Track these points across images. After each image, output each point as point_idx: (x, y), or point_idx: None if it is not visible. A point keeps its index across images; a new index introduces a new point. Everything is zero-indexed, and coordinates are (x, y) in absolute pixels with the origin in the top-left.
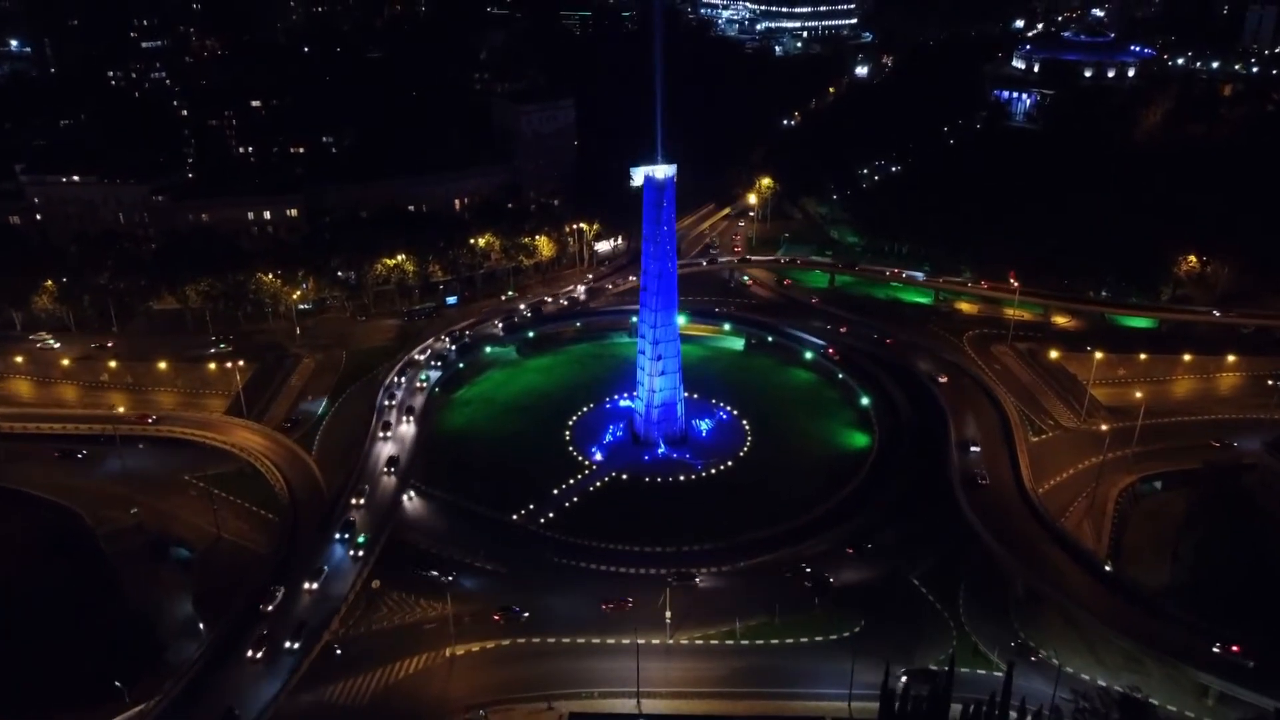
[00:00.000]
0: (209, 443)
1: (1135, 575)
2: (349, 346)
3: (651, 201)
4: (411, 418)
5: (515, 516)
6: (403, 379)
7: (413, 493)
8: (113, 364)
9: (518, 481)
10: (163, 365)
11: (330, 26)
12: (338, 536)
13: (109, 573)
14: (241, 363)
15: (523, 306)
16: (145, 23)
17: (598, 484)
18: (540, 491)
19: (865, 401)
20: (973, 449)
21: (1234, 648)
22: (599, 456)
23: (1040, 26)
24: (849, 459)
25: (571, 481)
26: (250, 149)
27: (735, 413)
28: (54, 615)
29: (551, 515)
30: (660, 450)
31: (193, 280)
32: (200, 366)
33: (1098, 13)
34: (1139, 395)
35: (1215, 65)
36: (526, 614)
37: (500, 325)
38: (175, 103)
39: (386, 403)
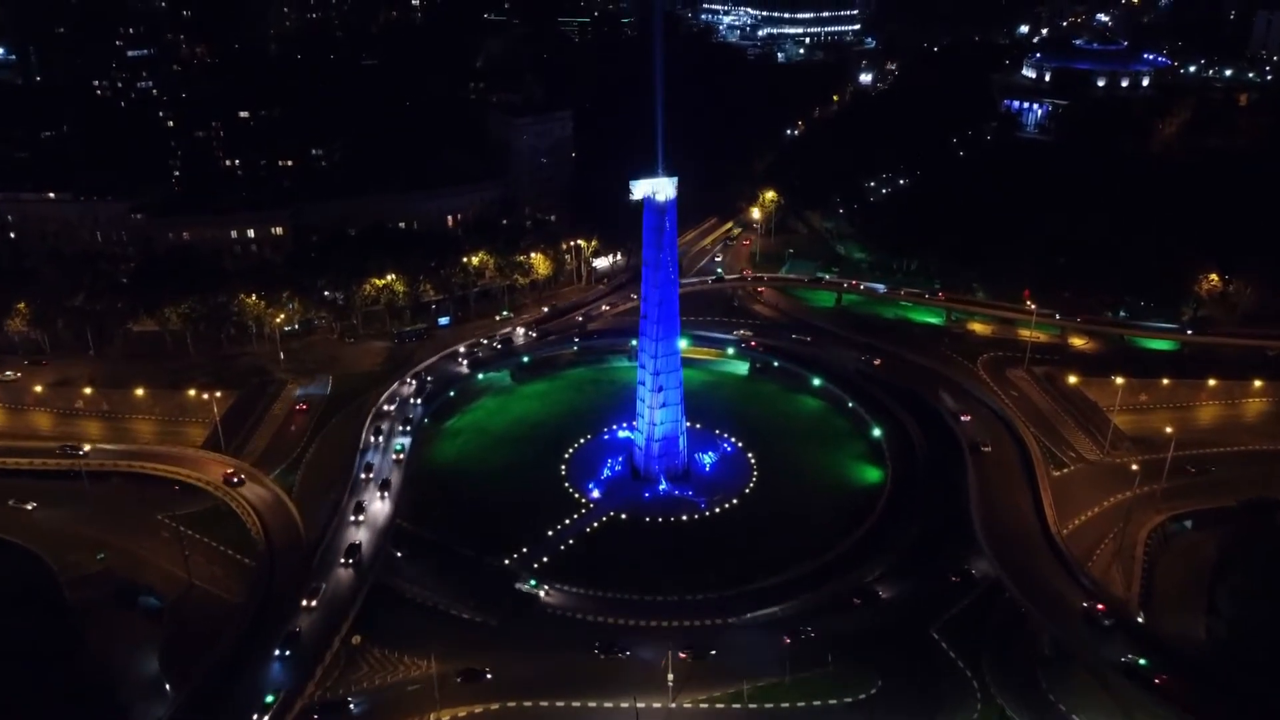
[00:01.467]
0: (184, 479)
1: (1169, 627)
2: (336, 371)
3: (652, 225)
4: (387, 494)
5: (507, 561)
6: (379, 438)
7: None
8: (88, 390)
9: (510, 521)
10: (140, 392)
11: (324, 34)
12: (278, 654)
13: (72, 623)
14: (219, 394)
15: (462, 348)
16: (132, 31)
17: (595, 524)
18: (534, 532)
19: (877, 433)
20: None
21: (1099, 606)
22: (596, 494)
23: (1045, 32)
24: (860, 496)
25: (568, 521)
26: (237, 162)
27: (740, 444)
28: (10, 670)
29: (546, 559)
30: (661, 487)
31: (172, 302)
32: (179, 393)
33: (1103, 18)
34: (1168, 429)
35: (1229, 73)
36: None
37: (464, 361)
38: (161, 113)
39: (363, 476)
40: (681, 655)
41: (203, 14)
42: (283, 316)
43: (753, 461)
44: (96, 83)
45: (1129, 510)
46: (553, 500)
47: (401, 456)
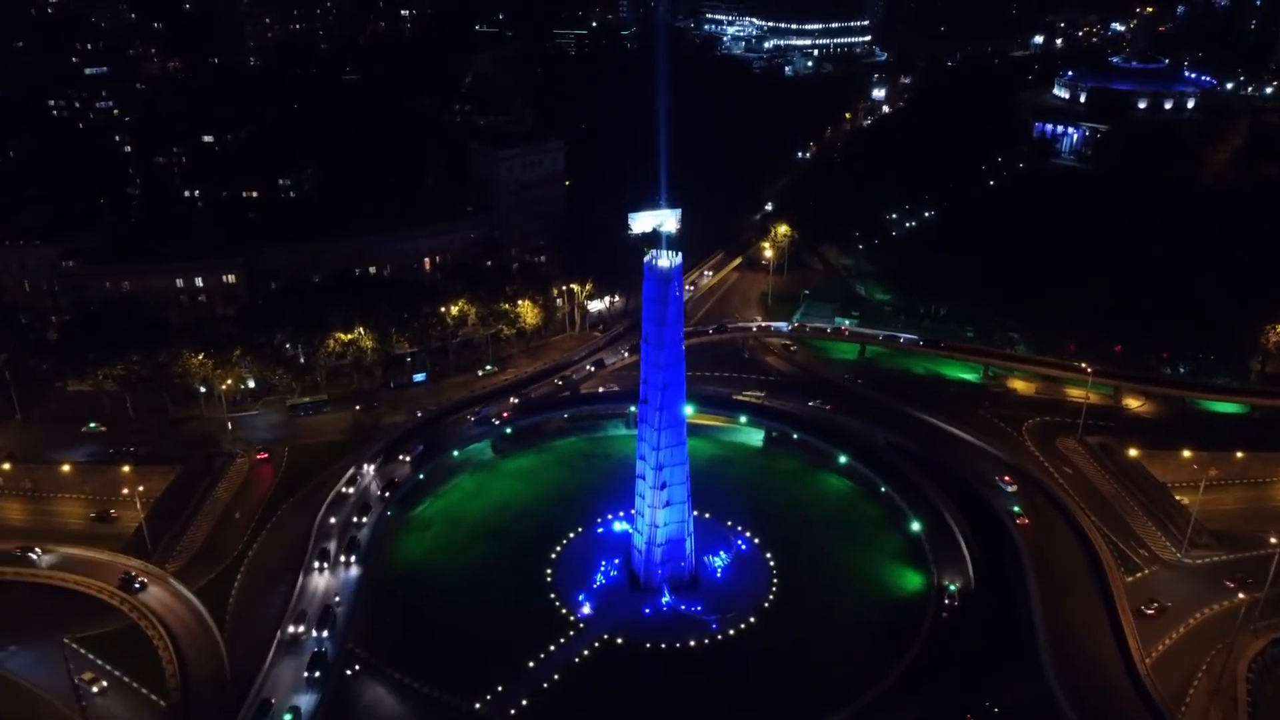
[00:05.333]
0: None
1: None
2: (293, 440)
3: (654, 295)
4: None
5: (478, 705)
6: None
7: None
8: (7, 466)
9: (484, 644)
10: (66, 468)
11: (307, 45)
12: None
13: None
14: (140, 489)
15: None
16: (89, 46)
17: (585, 652)
18: (512, 662)
19: (916, 527)
20: None
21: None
22: (587, 609)
23: (1060, 43)
24: (901, 611)
25: (553, 648)
26: (197, 192)
27: (756, 541)
28: None
29: (525, 703)
30: (665, 599)
31: (105, 363)
32: (113, 469)
33: (1118, 27)
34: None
35: (1269, 91)
36: None
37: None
38: (118, 137)
39: None
40: None
41: (176, 26)
42: (230, 381)
43: (772, 564)
44: (53, 103)
45: (1235, 637)
46: (536, 617)
47: None
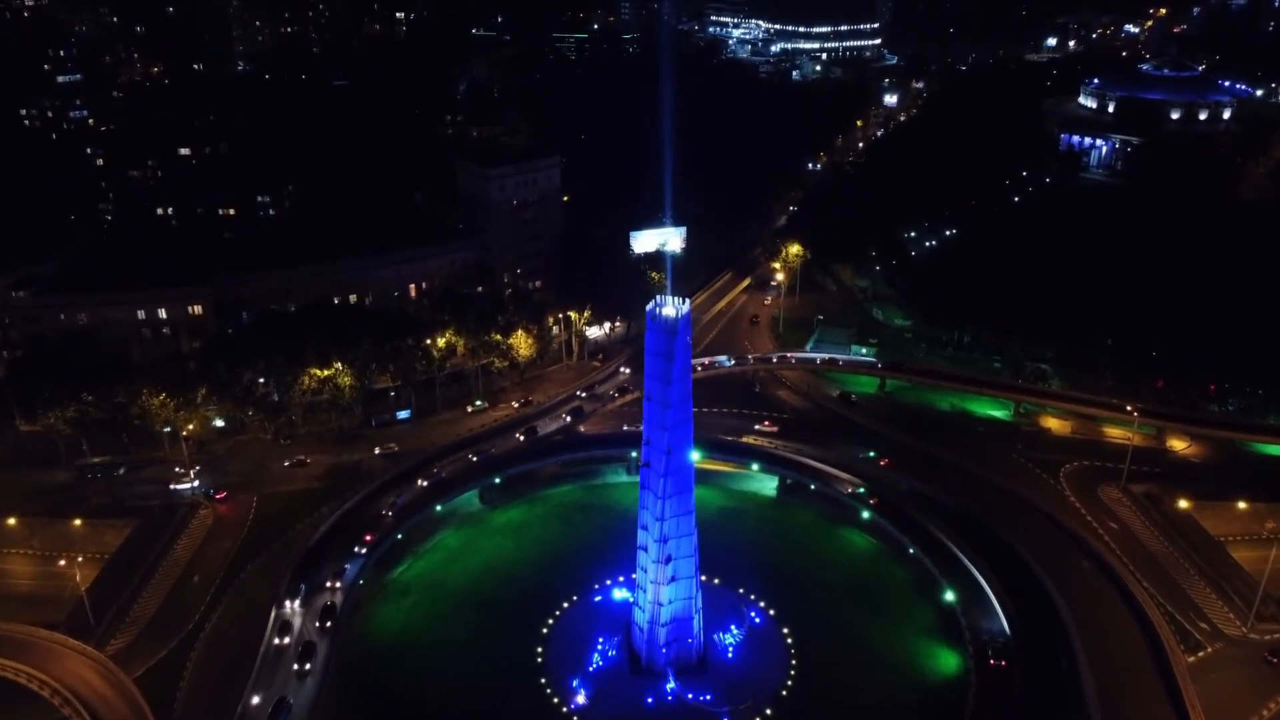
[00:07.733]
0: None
1: None
2: (263, 487)
3: (658, 349)
4: None
5: None
6: None
7: None
8: None
9: None
10: (12, 521)
11: (299, 50)
12: None
13: None
14: (81, 562)
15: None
16: (63, 52)
17: None
18: None
19: (950, 596)
20: None
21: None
22: (582, 697)
23: (1074, 45)
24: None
25: None
26: (171, 210)
27: (771, 613)
28: None
29: None
30: (670, 685)
31: (56, 405)
32: (64, 522)
33: (1131, 29)
34: None
35: None
36: None
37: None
38: (89, 149)
39: None
40: None
41: (159, 30)
42: (193, 425)
43: (789, 641)
44: (24, 112)
45: None
46: (523, 705)
47: None
